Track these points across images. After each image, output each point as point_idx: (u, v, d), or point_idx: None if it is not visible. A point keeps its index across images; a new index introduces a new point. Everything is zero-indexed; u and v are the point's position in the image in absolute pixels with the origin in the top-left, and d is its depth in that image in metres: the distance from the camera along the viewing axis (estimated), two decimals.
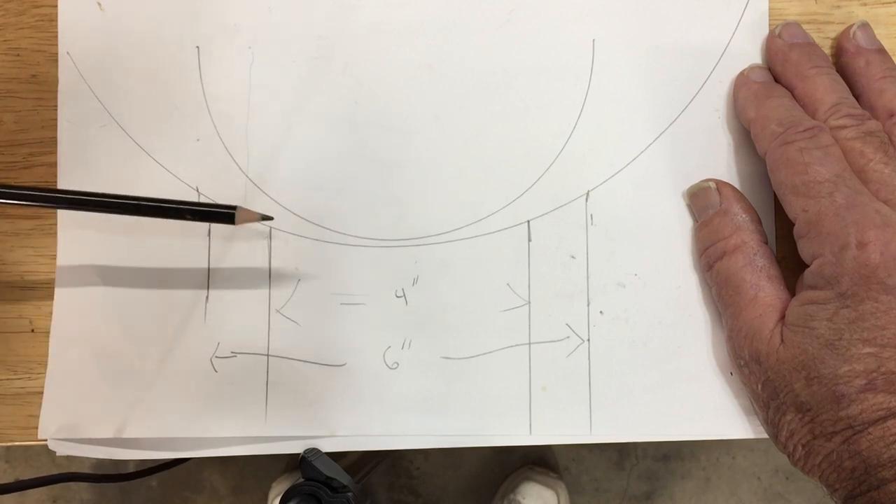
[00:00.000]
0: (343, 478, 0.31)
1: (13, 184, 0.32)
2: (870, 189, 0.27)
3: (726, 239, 0.30)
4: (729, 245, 0.30)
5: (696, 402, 0.31)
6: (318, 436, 0.32)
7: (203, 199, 0.32)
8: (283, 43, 0.33)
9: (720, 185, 0.31)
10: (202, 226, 0.32)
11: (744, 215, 0.30)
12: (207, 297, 0.32)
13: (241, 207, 0.29)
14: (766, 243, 0.30)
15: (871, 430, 0.25)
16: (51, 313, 0.32)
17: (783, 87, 0.31)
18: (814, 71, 0.30)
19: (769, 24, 0.32)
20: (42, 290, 0.32)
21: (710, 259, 0.30)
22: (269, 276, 0.32)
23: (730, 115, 0.32)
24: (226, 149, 0.32)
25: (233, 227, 0.32)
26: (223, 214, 0.29)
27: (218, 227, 0.32)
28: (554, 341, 0.32)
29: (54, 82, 0.32)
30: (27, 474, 0.93)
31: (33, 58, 0.33)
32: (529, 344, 0.32)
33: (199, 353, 0.32)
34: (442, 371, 0.32)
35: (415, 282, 0.32)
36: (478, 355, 0.32)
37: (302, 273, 0.32)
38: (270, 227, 0.32)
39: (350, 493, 0.31)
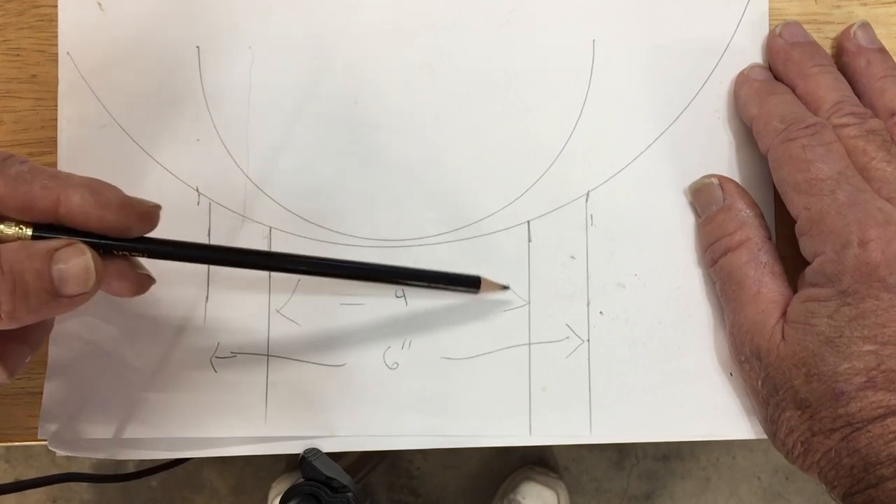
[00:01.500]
0: (343, 478, 0.31)
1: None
2: (872, 187, 0.27)
3: (731, 235, 0.30)
4: (733, 241, 0.30)
5: (696, 403, 0.31)
6: (318, 436, 0.32)
7: (203, 199, 0.32)
8: (283, 43, 0.33)
9: (723, 180, 0.31)
10: (202, 225, 0.32)
11: (748, 211, 0.30)
12: (207, 297, 0.32)
13: (485, 279, 0.30)
14: (770, 239, 0.30)
15: (870, 427, 0.25)
16: None
17: (785, 85, 0.31)
18: (816, 69, 0.30)
19: (769, 24, 0.32)
20: None
21: (715, 255, 0.30)
22: (269, 276, 0.32)
23: (730, 115, 0.32)
24: (226, 149, 0.32)
25: (234, 226, 0.32)
26: (468, 284, 0.30)
27: (217, 226, 0.32)
28: (554, 342, 0.32)
29: (54, 82, 0.32)
30: (27, 474, 0.93)
31: (33, 58, 0.33)
32: (529, 344, 0.32)
33: (199, 353, 0.32)
34: (442, 371, 0.32)
35: None
36: (478, 355, 0.32)
37: None
38: (270, 228, 0.32)
39: (350, 493, 0.31)
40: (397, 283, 0.30)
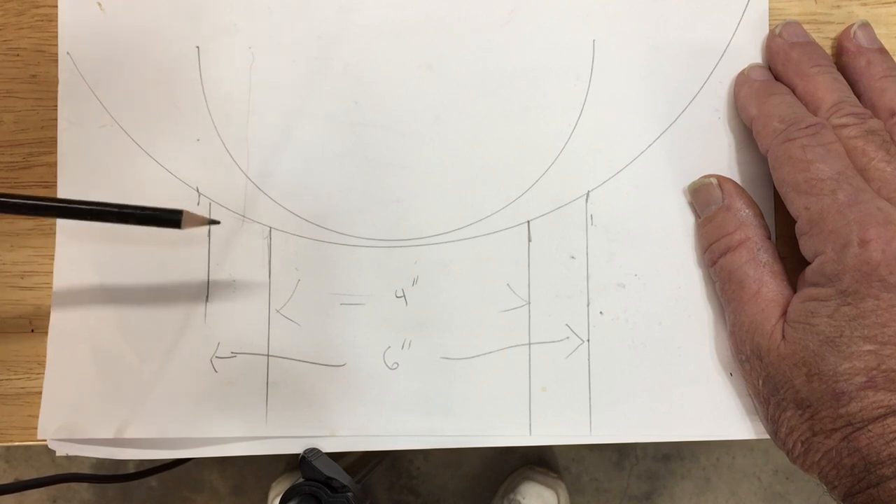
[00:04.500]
0: (343, 478, 0.31)
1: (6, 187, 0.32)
2: (872, 187, 0.27)
3: (730, 234, 0.30)
4: (733, 241, 0.30)
5: (696, 403, 0.31)
6: (319, 436, 0.32)
7: (203, 200, 0.32)
8: (283, 43, 0.33)
9: (721, 180, 0.31)
10: (202, 227, 0.32)
11: (747, 210, 0.30)
12: (207, 297, 0.32)
13: (187, 211, 0.28)
14: (770, 238, 0.30)
15: (870, 427, 0.25)
16: (50, 313, 0.32)
17: (784, 86, 0.31)
18: (815, 70, 0.30)
19: (769, 24, 0.32)
20: (42, 290, 0.32)
21: (715, 255, 0.30)
22: (269, 276, 0.32)
23: (730, 115, 0.32)
24: (226, 149, 0.32)
25: (234, 226, 0.32)
26: (168, 220, 0.28)
27: (217, 228, 0.32)
28: (554, 342, 0.32)
29: (54, 82, 0.32)
30: (27, 474, 0.93)
31: (33, 58, 0.33)
32: (529, 344, 0.32)
33: (199, 354, 0.32)
34: (442, 371, 0.32)
35: (415, 282, 0.32)
36: (478, 355, 0.32)
37: (302, 273, 0.32)
38: (270, 228, 0.32)
39: (350, 493, 0.31)
40: (86, 218, 0.28)
